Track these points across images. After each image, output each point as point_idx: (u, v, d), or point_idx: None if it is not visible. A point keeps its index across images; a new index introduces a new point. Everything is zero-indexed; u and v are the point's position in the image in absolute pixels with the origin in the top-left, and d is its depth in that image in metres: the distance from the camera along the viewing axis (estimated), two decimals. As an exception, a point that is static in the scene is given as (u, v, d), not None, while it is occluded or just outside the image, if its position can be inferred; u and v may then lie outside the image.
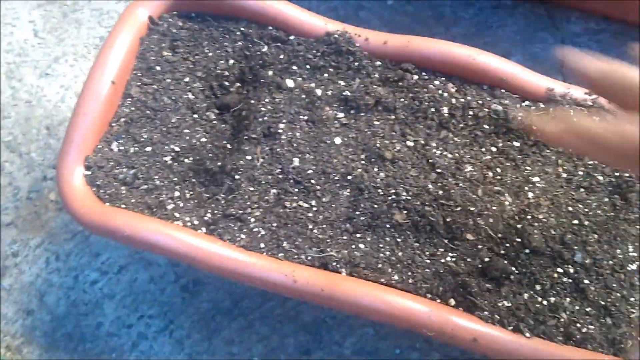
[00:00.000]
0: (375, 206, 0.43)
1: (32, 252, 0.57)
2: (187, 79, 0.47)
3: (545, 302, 0.41)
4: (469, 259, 0.42)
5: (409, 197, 0.43)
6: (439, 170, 0.44)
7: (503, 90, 0.46)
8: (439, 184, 0.44)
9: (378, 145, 0.45)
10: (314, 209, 0.44)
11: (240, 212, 0.43)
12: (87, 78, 0.44)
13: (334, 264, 0.42)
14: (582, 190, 0.44)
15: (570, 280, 0.41)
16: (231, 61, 0.48)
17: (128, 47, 0.46)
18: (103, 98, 0.44)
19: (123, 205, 0.43)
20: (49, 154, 0.60)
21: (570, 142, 0.32)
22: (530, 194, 0.44)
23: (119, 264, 0.56)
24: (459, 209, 0.43)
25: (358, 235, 0.43)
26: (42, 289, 0.56)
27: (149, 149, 0.45)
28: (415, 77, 0.47)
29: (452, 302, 0.41)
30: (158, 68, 0.47)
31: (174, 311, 0.55)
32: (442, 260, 0.42)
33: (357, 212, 0.44)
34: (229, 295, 0.55)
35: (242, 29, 0.48)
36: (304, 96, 0.46)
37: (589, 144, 0.31)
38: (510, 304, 0.41)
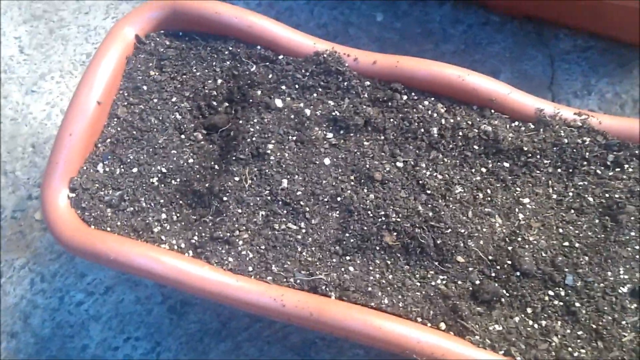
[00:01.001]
0: (365, 228, 0.43)
1: (17, 272, 0.56)
2: (174, 99, 0.47)
3: (536, 326, 0.41)
4: (459, 282, 0.42)
5: (398, 219, 0.43)
6: (428, 192, 0.44)
7: (493, 111, 0.46)
8: (429, 206, 0.43)
9: (367, 166, 0.44)
10: (303, 231, 0.43)
11: (228, 234, 0.43)
12: (72, 98, 0.44)
13: (324, 287, 0.41)
14: (572, 211, 0.44)
15: (562, 303, 0.41)
16: (219, 81, 0.47)
17: (114, 67, 0.46)
18: (88, 118, 0.44)
19: (108, 228, 0.42)
20: (34, 172, 0.59)
21: None
22: (521, 215, 0.44)
23: (105, 284, 0.55)
24: (449, 230, 0.43)
25: (348, 257, 0.43)
26: (27, 311, 0.55)
27: (135, 170, 0.45)
28: (405, 97, 0.46)
29: (443, 326, 0.40)
30: (145, 88, 0.47)
31: (161, 333, 0.54)
32: (433, 283, 0.42)
33: (347, 234, 0.43)
34: (216, 316, 0.54)
35: (230, 48, 0.48)
36: (292, 116, 0.46)
37: None
38: (501, 328, 0.40)
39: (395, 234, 0.43)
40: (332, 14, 0.66)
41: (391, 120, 0.46)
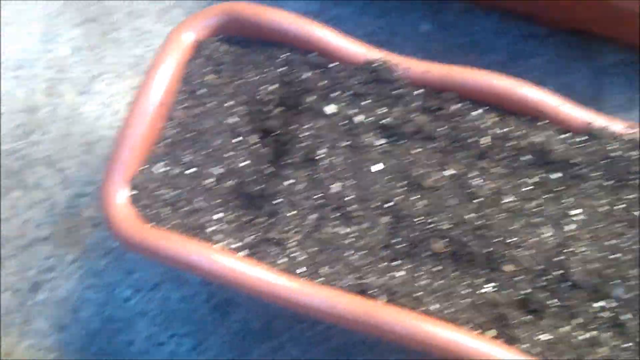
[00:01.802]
0: (414, 234, 0.44)
1: (67, 267, 0.58)
2: (230, 103, 0.48)
3: (584, 336, 0.41)
4: (508, 290, 0.42)
5: (448, 227, 0.44)
6: (478, 200, 0.45)
7: (543, 122, 0.47)
8: (479, 214, 0.44)
9: (417, 173, 0.45)
10: (353, 235, 0.44)
11: (280, 236, 0.44)
12: (134, 100, 0.45)
13: (373, 290, 0.42)
14: (621, 224, 0.44)
15: (610, 315, 0.41)
16: (274, 86, 0.49)
17: (174, 70, 0.47)
18: (149, 120, 0.45)
19: (166, 227, 0.44)
20: (85, 170, 0.61)
21: None
22: (570, 227, 0.44)
23: (153, 281, 0.57)
24: (498, 239, 0.43)
25: (396, 262, 0.44)
26: (77, 304, 0.56)
27: (191, 171, 0.46)
28: (456, 106, 0.47)
29: (492, 333, 0.41)
30: (202, 91, 0.48)
31: (205, 331, 0.55)
32: (481, 291, 0.42)
33: (396, 240, 0.44)
34: (259, 316, 0.55)
35: (285, 54, 0.49)
36: (344, 122, 0.47)
37: None
38: (550, 337, 0.41)
39: (444, 241, 0.44)
40: (377, 23, 0.67)
41: (442, 128, 0.47)
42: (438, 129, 0.47)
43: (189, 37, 0.48)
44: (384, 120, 0.47)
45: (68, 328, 0.56)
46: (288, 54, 0.49)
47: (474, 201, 0.45)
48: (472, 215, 0.44)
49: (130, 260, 0.58)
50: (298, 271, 0.43)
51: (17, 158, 0.62)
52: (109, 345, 0.55)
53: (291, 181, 0.45)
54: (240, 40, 0.50)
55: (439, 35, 0.66)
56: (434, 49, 0.66)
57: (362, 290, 0.42)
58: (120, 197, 0.44)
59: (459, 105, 0.47)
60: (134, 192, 0.45)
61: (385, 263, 0.44)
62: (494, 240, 0.43)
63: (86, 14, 0.68)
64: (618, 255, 0.43)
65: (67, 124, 0.63)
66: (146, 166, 0.46)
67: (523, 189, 0.45)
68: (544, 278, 0.42)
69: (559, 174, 0.46)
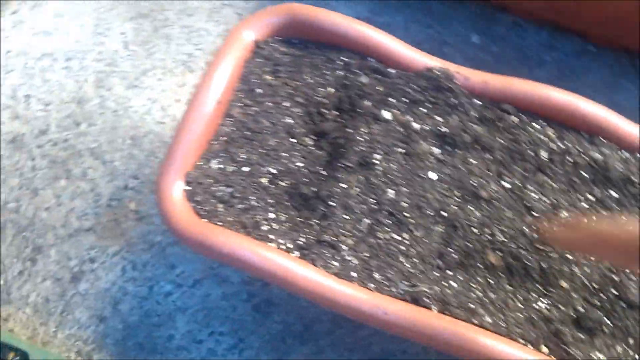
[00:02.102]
0: (469, 245, 0.43)
1: (110, 259, 0.58)
2: (287, 104, 0.48)
3: (638, 357, 0.40)
4: (562, 307, 0.42)
5: (504, 239, 0.43)
6: (535, 214, 0.44)
7: (602, 139, 0.46)
8: (535, 228, 0.44)
9: (474, 183, 0.45)
10: (407, 242, 0.44)
11: (334, 239, 0.44)
12: (194, 96, 0.46)
13: (425, 299, 0.41)
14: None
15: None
16: (330, 89, 0.49)
17: (233, 68, 0.47)
18: (207, 117, 0.45)
19: (219, 223, 0.44)
20: (132, 164, 0.61)
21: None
22: (628, 246, 0.43)
23: (194, 277, 0.57)
24: (555, 255, 0.43)
25: (450, 272, 0.43)
26: (117, 297, 0.56)
27: (246, 169, 0.46)
28: (514, 119, 0.47)
29: (545, 349, 0.40)
30: (259, 91, 0.48)
31: (245, 330, 0.55)
32: (535, 306, 0.42)
33: (450, 249, 0.43)
34: (300, 318, 0.55)
35: (343, 58, 0.49)
36: (400, 129, 0.47)
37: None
38: (603, 357, 0.40)
39: (499, 253, 0.43)
40: (427, 32, 0.67)
41: (499, 140, 0.46)
42: (495, 141, 0.46)
43: (249, 36, 0.49)
44: (440, 129, 0.47)
45: (107, 320, 0.56)
46: (346, 58, 0.49)
47: (531, 215, 0.44)
48: (529, 229, 0.44)
49: (172, 255, 0.58)
50: (350, 275, 0.43)
51: (64, 148, 0.62)
52: (147, 340, 0.55)
53: (346, 185, 0.45)
54: (299, 41, 0.50)
55: (489, 47, 0.66)
56: (483, 61, 0.65)
57: (415, 299, 0.42)
58: (177, 191, 0.44)
59: (518, 117, 0.47)
60: (189, 187, 0.45)
61: (439, 272, 0.43)
62: (551, 255, 0.43)
63: (138, 9, 0.69)
64: (676, 277, 0.42)
65: (115, 117, 0.64)
66: (202, 162, 0.46)
67: (580, 206, 0.45)
68: (599, 297, 0.42)
69: (617, 193, 0.45)
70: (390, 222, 0.44)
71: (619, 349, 0.41)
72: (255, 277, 0.55)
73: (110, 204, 0.60)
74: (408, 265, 0.43)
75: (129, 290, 0.57)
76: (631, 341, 0.41)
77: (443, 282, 0.43)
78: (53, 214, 0.60)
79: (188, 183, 0.45)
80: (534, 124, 0.47)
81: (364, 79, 0.49)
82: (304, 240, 0.44)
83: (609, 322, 0.41)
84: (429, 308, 0.41)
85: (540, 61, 0.65)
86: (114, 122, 0.63)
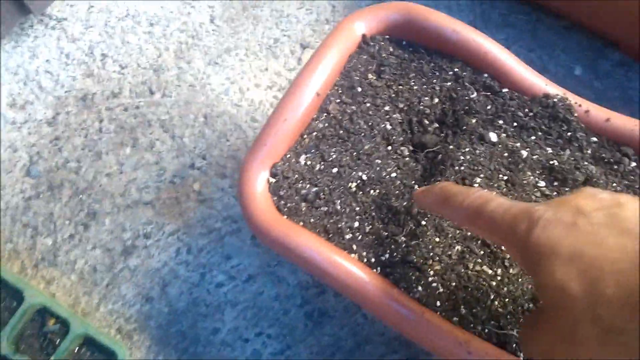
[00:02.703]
0: (567, 293, 0.39)
1: (165, 238, 0.55)
2: (387, 108, 0.45)
3: None
4: None
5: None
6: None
7: None
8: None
9: (580, 227, 0.41)
10: (499, 278, 0.40)
11: (421, 261, 0.40)
12: (294, 83, 0.42)
13: (514, 345, 0.38)
14: None
15: None
16: (436, 100, 0.45)
17: (337, 61, 0.44)
18: (303, 107, 0.42)
19: (301, 223, 0.41)
20: (201, 143, 0.59)
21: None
22: None
23: (249, 272, 0.54)
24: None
25: (542, 319, 0.39)
26: (167, 279, 0.54)
27: (335, 170, 0.43)
28: (634, 164, 0.43)
29: None
30: (359, 89, 0.45)
31: (294, 337, 0.52)
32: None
33: (545, 294, 0.40)
34: (353, 335, 0.52)
35: (455, 69, 0.45)
36: (506, 154, 0.43)
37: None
38: None
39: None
40: (529, 55, 0.63)
41: (614, 184, 0.42)
42: (610, 185, 0.42)
43: (360, 29, 0.45)
44: (550, 162, 0.43)
45: (153, 301, 0.53)
46: (458, 69, 0.46)
47: None
48: None
49: (229, 245, 0.55)
50: (434, 304, 0.39)
51: (134, 115, 0.60)
52: (191, 329, 0.52)
53: (440, 205, 0.41)
54: (409, 44, 0.47)
55: (592, 82, 0.62)
56: (584, 96, 0.61)
57: (502, 343, 0.38)
58: (260, 182, 0.41)
59: (638, 163, 0.43)
60: (275, 179, 0.41)
61: (529, 317, 0.39)
62: None
63: (230, -15, 0.66)
64: None
65: (191, 91, 0.61)
66: (290, 155, 0.43)
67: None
68: None
69: None
70: (484, 253, 0.41)
71: None
72: (328, 286, 0.51)
73: (173, 181, 0.57)
74: (497, 304, 0.39)
75: (180, 274, 0.54)
76: None
77: (533, 329, 0.39)
78: (113, 181, 0.57)
79: (273, 175, 0.41)
80: (655, 173, 0.43)
81: (473, 95, 0.45)
82: (388, 257, 0.41)
83: None
84: (516, 356, 0.37)
85: (644, 105, 0.61)
86: (188, 96, 0.61)
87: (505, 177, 0.43)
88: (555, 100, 0.44)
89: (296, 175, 0.42)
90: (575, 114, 0.44)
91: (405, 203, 0.42)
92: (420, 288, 0.39)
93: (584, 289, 0.25)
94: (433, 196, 0.35)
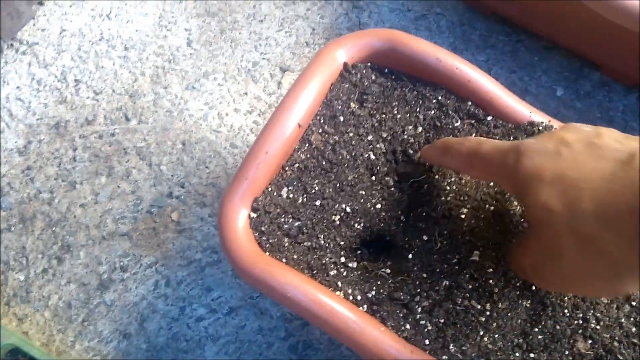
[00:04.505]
0: (558, 327, 0.39)
1: (143, 270, 0.53)
2: (370, 137, 0.44)
3: None
4: None
5: (597, 327, 0.38)
6: (633, 304, 0.39)
7: None
8: (633, 320, 0.39)
9: (568, 258, 0.40)
10: (488, 313, 0.39)
11: (408, 298, 0.39)
12: (275, 114, 0.41)
13: (504, 381, 0.37)
14: None
15: None
16: (420, 128, 0.44)
17: (319, 90, 0.43)
18: (285, 139, 0.41)
19: (284, 259, 0.39)
20: (179, 170, 0.57)
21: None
22: None
23: (230, 304, 0.52)
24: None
25: (532, 355, 0.38)
26: (145, 313, 0.52)
27: (318, 203, 0.41)
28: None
29: None
30: (342, 119, 0.44)
31: (278, 372, 0.50)
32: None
33: (536, 329, 0.39)
34: (338, 368, 0.50)
35: (439, 97, 0.45)
36: (493, 184, 0.42)
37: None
38: None
39: (590, 342, 0.38)
40: (510, 77, 0.62)
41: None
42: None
43: (341, 58, 0.44)
44: (537, 191, 0.42)
45: (131, 337, 0.51)
46: (442, 97, 0.45)
47: (630, 304, 0.40)
48: (626, 319, 0.39)
49: (210, 277, 0.53)
50: (423, 342, 0.38)
51: (109, 142, 0.58)
52: (171, 366, 0.50)
53: (427, 237, 0.40)
54: (392, 72, 0.46)
55: (573, 103, 0.62)
56: (565, 116, 0.61)
57: (492, 380, 0.37)
58: (242, 217, 0.40)
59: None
60: (256, 214, 0.40)
61: (519, 353, 0.38)
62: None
63: (207, 7, 0.65)
64: None
65: (168, 117, 0.59)
66: (272, 188, 0.41)
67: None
68: None
69: None
70: (472, 287, 0.40)
71: None
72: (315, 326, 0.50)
73: (150, 211, 0.55)
74: (487, 340, 0.39)
75: (159, 308, 0.52)
76: None
77: (524, 366, 0.38)
78: (88, 211, 0.55)
79: (255, 210, 0.40)
80: None
81: (457, 123, 0.44)
82: (374, 293, 0.39)
83: None
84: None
85: (626, 127, 0.61)
86: (166, 122, 0.59)
87: (492, 208, 0.42)
88: (539, 128, 0.43)
89: (278, 210, 0.41)
90: (561, 142, 0.43)
91: (392, 236, 0.41)
92: (408, 326, 0.38)
93: (564, 206, 0.29)
94: (436, 149, 0.39)
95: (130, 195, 0.56)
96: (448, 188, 0.42)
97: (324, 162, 0.43)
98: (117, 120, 0.59)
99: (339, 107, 0.44)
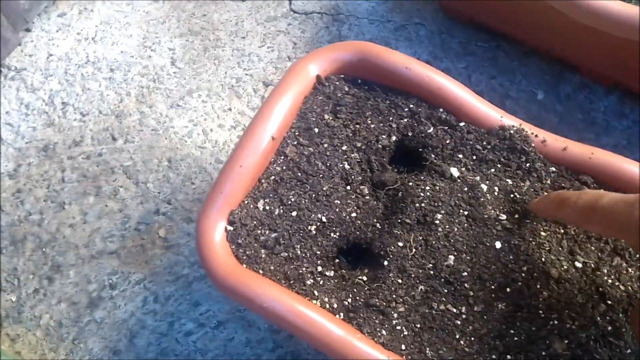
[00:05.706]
0: (533, 328, 0.39)
1: (131, 287, 0.54)
2: (344, 148, 0.44)
3: None
4: None
5: (573, 327, 0.39)
6: (609, 302, 0.40)
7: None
8: (608, 318, 0.39)
9: (543, 259, 0.41)
10: (464, 316, 0.40)
11: (384, 304, 0.39)
12: (249, 128, 0.42)
13: (483, 384, 0.37)
14: None
15: None
16: (393, 137, 0.45)
17: (292, 103, 0.44)
18: (260, 152, 0.42)
19: (260, 271, 0.40)
20: (166, 187, 0.58)
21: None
22: None
23: (218, 318, 0.53)
24: (628, 351, 0.38)
25: (509, 357, 0.39)
26: (134, 330, 0.52)
27: (294, 214, 0.42)
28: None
29: None
30: (316, 130, 0.44)
31: (267, 383, 0.50)
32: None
33: (512, 331, 0.39)
34: (327, 378, 0.51)
35: (411, 105, 0.45)
36: (466, 189, 0.43)
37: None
38: None
39: (566, 342, 0.39)
40: (490, 83, 0.63)
41: (575, 214, 0.42)
42: (571, 214, 0.42)
43: (313, 71, 0.45)
44: (511, 195, 0.43)
45: (121, 354, 0.52)
46: (414, 105, 0.46)
47: (605, 302, 0.40)
48: (601, 318, 0.39)
49: (197, 292, 0.54)
50: (399, 347, 0.38)
51: (97, 162, 0.59)
52: (161, 381, 0.51)
53: (402, 243, 0.41)
54: (364, 82, 0.47)
55: (554, 106, 0.62)
56: (546, 120, 0.61)
57: (469, 383, 0.37)
58: (218, 231, 0.40)
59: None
60: (232, 227, 0.41)
61: (496, 355, 0.39)
62: (624, 352, 0.38)
63: (189, 26, 0.66)
64: None
65: (154, 135, 0.60)
66: (248, 201, 0.42)
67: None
68: None
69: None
70: (447, 291, 0.40)
71: None
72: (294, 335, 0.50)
73: (138, 228, 0.56)
74: (463, 343, 0.39)
75: (148, 324, 0.53)
76: None
77: (501, 368, 0.38)
78: (77, 231, 0.56)
79: (231, 223, 0.41)
80: (614, 200, 0.42)
81: (430, 130, 0.45)
82: (351, 301, 0.40)
83: None
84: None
85: (607, 127, 0.61)
86: (152, 141, 0.60)
87: (466, 212, 0.42)
88: (511, 132, 0.44)
89: (254, 222, 0.41)
90: (533, 145, 0.44)
91: (368, 243, 0.42)
92: (384, 332, 0.39)
93: None
94: (550, 202, 0.38)
95: (118, 214, 0.57)
96: (422, 195, 0.42)
97: (299, 174, 0.43)
98: (104, 140, 0.60)
99: (313, 119, 0.45)
